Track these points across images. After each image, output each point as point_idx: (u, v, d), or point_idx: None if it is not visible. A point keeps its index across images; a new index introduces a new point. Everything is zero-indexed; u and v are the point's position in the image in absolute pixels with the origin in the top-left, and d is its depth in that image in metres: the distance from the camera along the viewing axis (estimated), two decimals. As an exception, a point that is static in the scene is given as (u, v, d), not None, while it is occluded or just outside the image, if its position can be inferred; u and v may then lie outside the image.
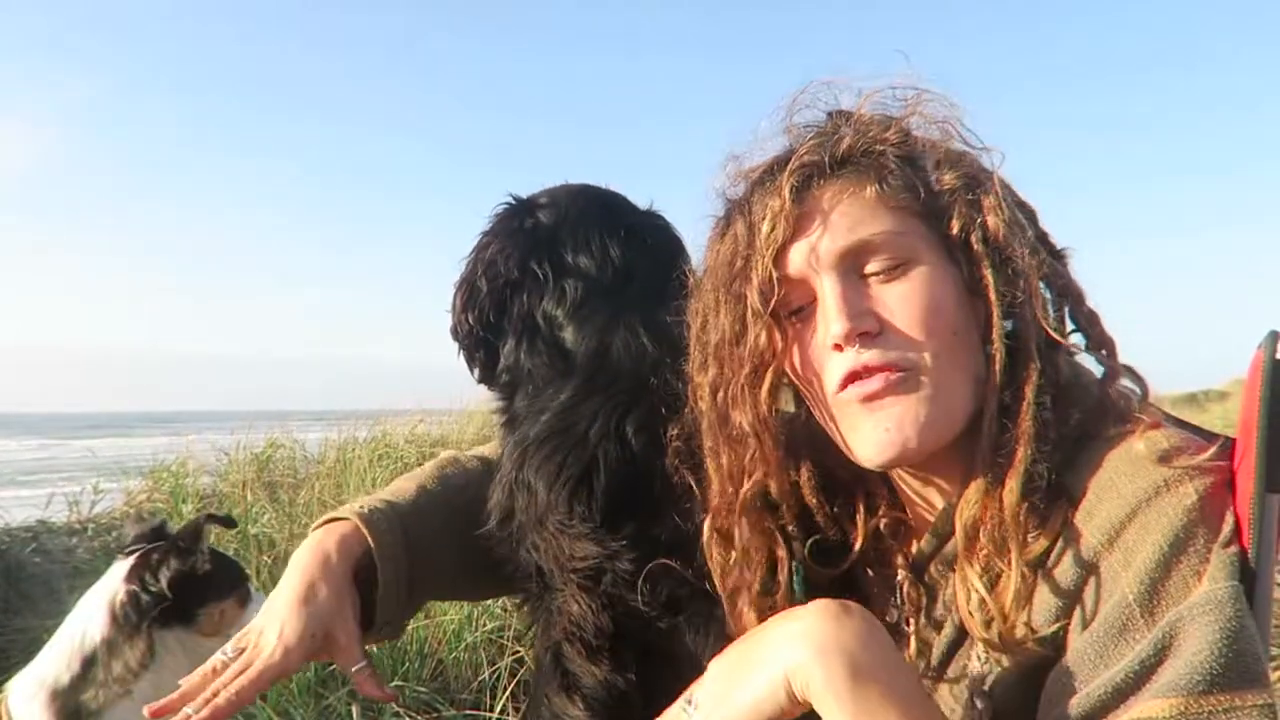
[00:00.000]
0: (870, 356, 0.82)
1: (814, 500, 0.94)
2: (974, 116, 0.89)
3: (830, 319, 0.83)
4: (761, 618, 0.89)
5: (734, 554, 0.92)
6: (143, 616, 1.43)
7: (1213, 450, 0.76)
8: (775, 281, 0.86)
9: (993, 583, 0.79)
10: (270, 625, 1.11)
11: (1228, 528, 0.72)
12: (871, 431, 0.84)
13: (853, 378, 0.83)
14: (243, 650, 1.11)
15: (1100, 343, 0.86)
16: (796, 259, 0.86)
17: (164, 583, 1.43)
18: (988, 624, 0.79)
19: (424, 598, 1.35)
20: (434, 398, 7.43)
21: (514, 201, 1.34)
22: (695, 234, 1.05)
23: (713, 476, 0.94)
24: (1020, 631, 0.77)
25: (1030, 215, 0.89)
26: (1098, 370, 0.86)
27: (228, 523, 1.51)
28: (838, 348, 0.84)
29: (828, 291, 0.84)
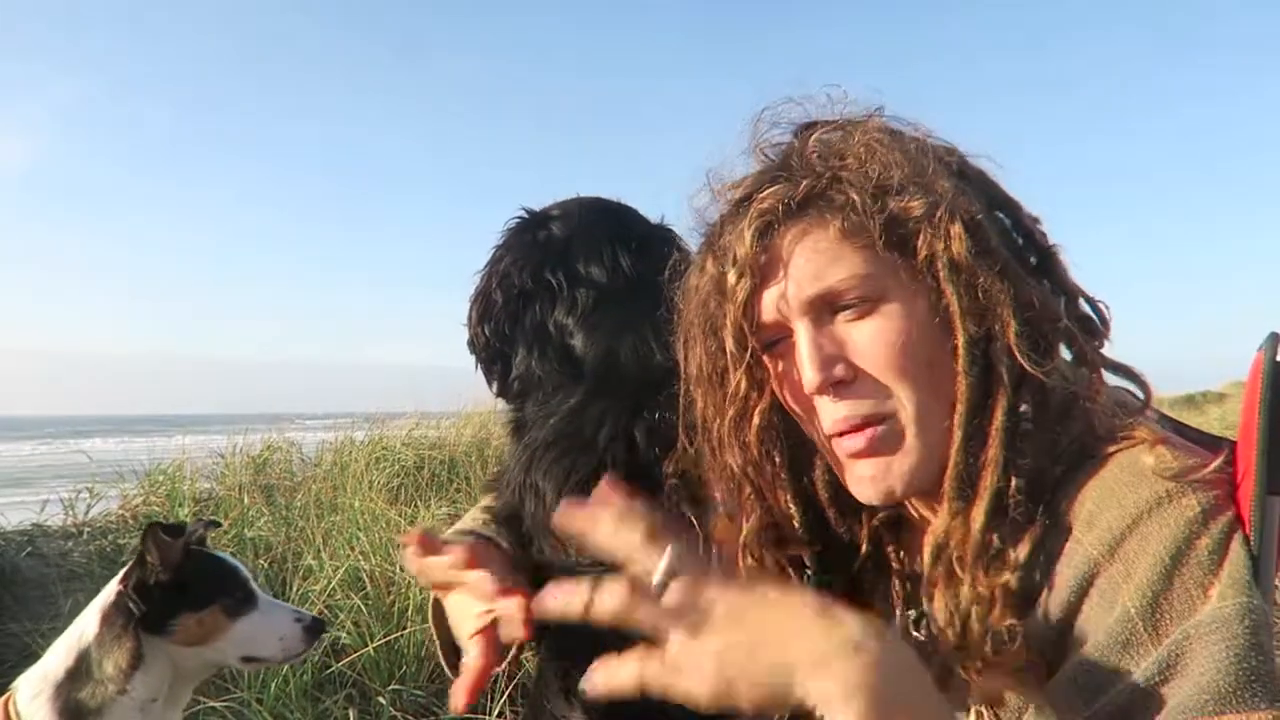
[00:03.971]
0: (846, 409, 0.82)
1: (826, 496, 0.94)
2: (946, 130, 0.88)
3: (804, 369, 0.82)
4: None
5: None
6: (128, 619, 1.44)
7: (1218, 463, 0.75)
8: (748, 330, 0.85)
9: (955, 600, 0.79)
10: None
11: (1237, 540, 0.71)
12: (862, 482, 0.85)
13: (835, 431, 0.84)
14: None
15: (1084, 358, 0.84)
16: (768, 305, 0.85)
17: (131, 591, 1.45)
18: (959, 639, 0.79)
19: None
20: (432, 400, 7.41)
21: (526, 215, 1.35)
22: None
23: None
24: (986, 645, 0.76)
25: (1012, 210, 0.87)
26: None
27: (172, 531, 1.49)
28: (819, 393, 0.83)
29: (800, 340, 0.83)
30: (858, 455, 0.84)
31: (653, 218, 1.39)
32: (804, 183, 0.83)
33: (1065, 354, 0.85)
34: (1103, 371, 0.85)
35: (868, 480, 0.84)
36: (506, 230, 1.35)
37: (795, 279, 0.83)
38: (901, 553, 0.97)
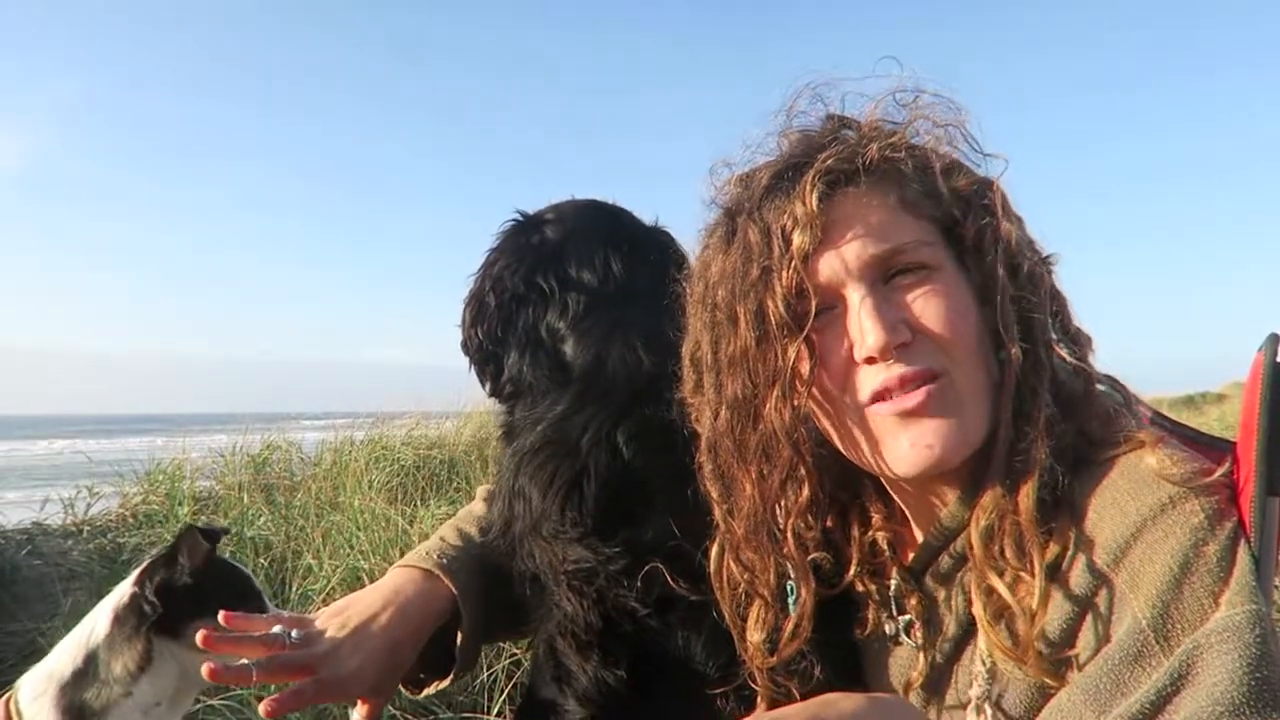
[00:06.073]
0: (904, 368, 0.81)
1: (806, 521, 0.91)
2: (978, 122, 0.88)
3: (866, 332, 0.81)
4: (768, 636, 0.90)
5: (754, 575, 0.90)
6: (141, 620, 1.43)
7: (1221, 471, 0.75)
8: (804, 292, 0.83)
9: (1012, 589, 0.78)
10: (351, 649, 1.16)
11: (1243, 545, 0.71)
12: (909, 447, 0.82)
13: (885, 392, 0.82)
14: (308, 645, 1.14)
15: (1080, 356, 0.86)
16: (824, 268, 0.83)
17: (149, 593, 1.44)
18: (1009, 632, 0.78)
19: (501, 636, 1.45)
20: (432, 400, 7.41)
21: (521, 218, 1.36)
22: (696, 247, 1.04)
23: (728, 497, 0.91)
24: (1038, 641, 0.76)
25: (1018, 222, 0.89)
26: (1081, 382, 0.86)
27: (210, 535, 1.47)
28: (870, 360, 0.82)
29: (859, 303, 0.82)
30: (911, 414, 0.82)
31: (648, 219, 1.39)
32: (873, 148, 0.83)
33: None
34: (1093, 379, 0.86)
35: (918, 450, 0.82)
36: (501, 233, 1.36)
37: (860, 238, 0.83)
38: (891, 563, 0.96)
